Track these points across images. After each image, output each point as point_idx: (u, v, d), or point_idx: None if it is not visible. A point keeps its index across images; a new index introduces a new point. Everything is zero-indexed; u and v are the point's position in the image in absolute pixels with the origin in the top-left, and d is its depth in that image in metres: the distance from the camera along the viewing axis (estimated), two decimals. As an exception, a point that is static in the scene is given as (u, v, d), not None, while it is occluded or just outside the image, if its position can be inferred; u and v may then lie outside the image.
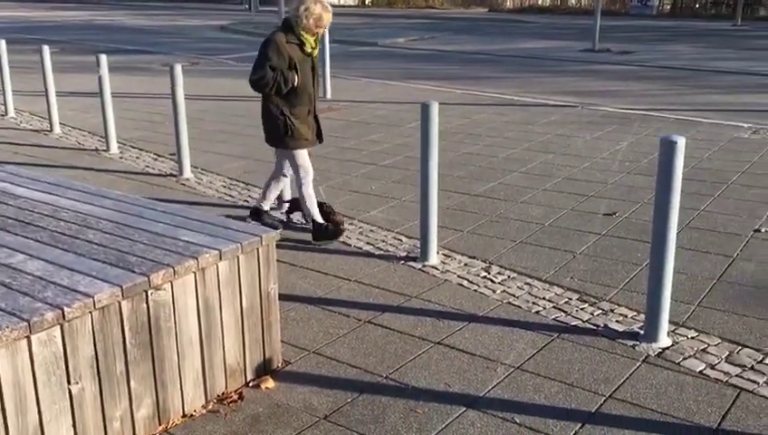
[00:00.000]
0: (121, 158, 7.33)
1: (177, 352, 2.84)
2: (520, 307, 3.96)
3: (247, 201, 5.89)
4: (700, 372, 3.26)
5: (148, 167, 6.98)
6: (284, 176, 5.14)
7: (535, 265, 4.53)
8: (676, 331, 3.63)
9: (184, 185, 6.37)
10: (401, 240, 5.00)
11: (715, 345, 3.49)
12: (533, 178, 6.42)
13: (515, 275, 4.40)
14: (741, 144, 7.48)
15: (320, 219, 4.95)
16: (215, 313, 2.96)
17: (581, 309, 3.91)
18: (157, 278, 2.68)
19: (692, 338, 3.57)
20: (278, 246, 4.30)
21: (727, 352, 3.42)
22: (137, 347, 2.69)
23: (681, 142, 3.32)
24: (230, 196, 6.04)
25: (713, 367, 3.29)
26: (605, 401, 3.07)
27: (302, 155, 4.89)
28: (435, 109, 4.38)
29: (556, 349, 3.49)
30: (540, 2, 33.59)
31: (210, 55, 15.87)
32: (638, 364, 3.33)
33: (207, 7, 34.06)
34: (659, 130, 8.06)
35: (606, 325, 3.71)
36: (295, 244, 4.91)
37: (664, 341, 3.49)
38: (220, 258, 2.91)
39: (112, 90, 7.66)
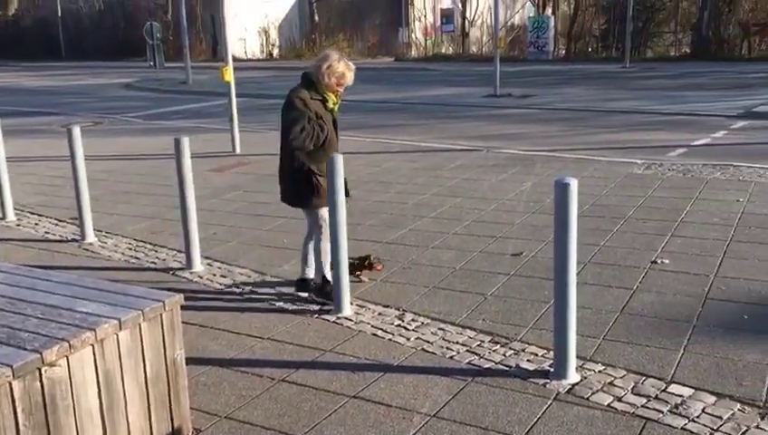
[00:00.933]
0: (19, 225, 7.00)
1: (77, 430, 2.70)
2: (434, 353, 3.97)
3: (155, 262, 5.72)
4: (608, 405, 3.35)
5: (48, 233, 6.69)
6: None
7: (448, 310, 4.58)
8: (585, 365, 3.73)
9: (87, 250, 6.13)
10: (315, 293, 4.96)
11: (621, 377, 3.60)
12: (443, 223, 6.54)
13: (429, 320, 4.43)
14: (635, 180, 7.88)
15: (329, 276, 4.72)
16: (116, 385, 2.83)
17: (494, 351, 3.97)
18: (51, 354, 2.55)
19: (599, 372, 3.67)
20: (187, 308, 4.19)
21: (633, 384, 3.53)
22: (31, 429, 2.53)
23: (574, 184, 3.47)
24: (136, 258, 5.85)
25: (620, 399, 3.39)
26: (520, 442, 3.10)
27: (326, 215, 4.65)
28: (339, 161, 4.41)
29: (471, 393, 3.52)
30: (443, 50, 34.76)
31: (115, 114, 15.53)
32: (549, 402, 3.39)
33: (111, 66, 33.50)
34: (560, 170, 8.40)
35: (518, 365, 3.77)
36: (206, 303, 4.79)
37: (573, 377, 3.58)
38: (120, 328, 2.80)
39: (9, 154, 7.37)
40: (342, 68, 4.50)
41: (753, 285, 4.73)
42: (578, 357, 3.70)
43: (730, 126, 11.63)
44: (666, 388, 3.48)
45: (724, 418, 3.19)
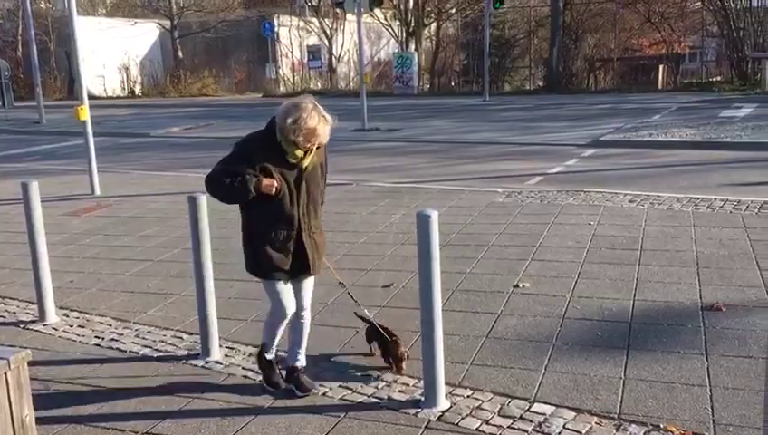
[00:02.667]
0: None
1: None
2: (307, 391, 3.93)
3: (3, 316, 5.31)
4: (477, 429, 3.44)
5: None
6: (300, 317, 3.99)
7: (321, 346, 4.53)
8: (454, 392, 3.81)
9: (-76, 307, 5.60)
10: (182, 338, 4.78)
11: (489, 401, 3.71)
12: (314, 258, 6.51)
13: (302, 358, 4.38)
14: (497, 208, 8.24)
15: (267, 358, 4.00)
16: (-46, 455, 2.58)
17: (366, 384, 3.98)
18: None
19: (468, 397, 3.77)
20: (39, 363, 3.93)
21: (499, 406, 3.65)
22: None
23: (434, 216, 3.57)
24: (-18, 313, 5.41)
25: (487, 422, 3.49)
26: (393, 474, 3.11)
27: (276, 289, 3.79)
28: (203, 201, 4.31)
29: (343, 429, 3.50)
30: (312, 86, 35.05)
31: (-43, 157, 14.40)
32: (420, 431, 3.44)
33: (-46, 105, 31.08)
34: (427, 201, 8.64)
35: (390, 397, 3.80)
36: (61, 357, 4.49)
37: (443, 404, 3.65)
38: (-43, 391, 2.57)
39: None
40: (313, 123, 3.54)
41: (605, 303, 5.05)
42: (447, 384, 3.78)
43: (581, 154, 12.46)
44: (530, 408, 3.62)
45: (583, 432, 3.36)
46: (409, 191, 9.45)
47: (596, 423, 3.44)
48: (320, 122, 3.57)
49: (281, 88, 34.98)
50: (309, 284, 3.98)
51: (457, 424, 3.48)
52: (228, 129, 18.89)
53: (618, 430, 3.37)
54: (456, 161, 12.35)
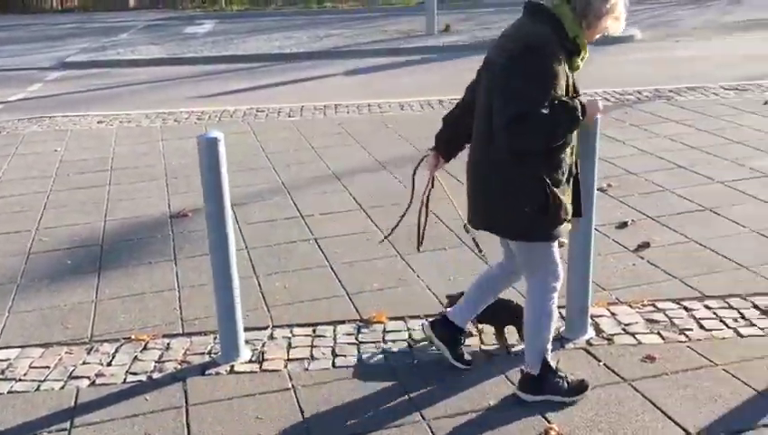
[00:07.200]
0: None
1: None
2: None
3: None
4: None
5: None
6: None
7: None
8: None
9: None
10: None
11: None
12: None
13: None
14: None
15: (552, 361, 2.88)
16: None
17: None
18: None
19: None
20: None
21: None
22: None
23: None
24: None
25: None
26: None
27: (555, 248, 2.81)
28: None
29: None
30: None
31: None
32: None
33: None
34: None
35: None
36: None
37: None
38: None
39: None
40: (623, 4, 2.67)
41: (75, 229, 4.86)
42: None
43: (45, 78, 11.51)
44: None
45: (52, 366, 3.20)
46: None
47: (66, 353, 3.31)
48: (625, 5, 2.72)
49: None
50: None
51: None
52: None
53: (90, 352, 3.31)
54: None
